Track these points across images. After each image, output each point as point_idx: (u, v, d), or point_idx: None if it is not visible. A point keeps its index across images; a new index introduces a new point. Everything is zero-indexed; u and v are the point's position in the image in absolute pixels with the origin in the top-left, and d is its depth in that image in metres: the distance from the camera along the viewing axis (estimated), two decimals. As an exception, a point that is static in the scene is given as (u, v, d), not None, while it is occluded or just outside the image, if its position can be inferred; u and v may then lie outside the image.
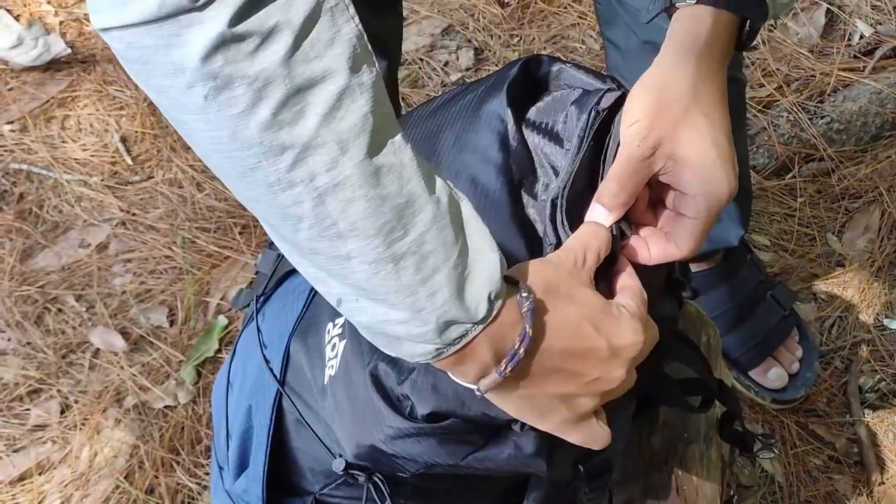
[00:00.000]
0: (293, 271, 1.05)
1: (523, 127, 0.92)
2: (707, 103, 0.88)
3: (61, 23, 2.16)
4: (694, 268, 1.64)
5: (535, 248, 0.87)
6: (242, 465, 1.02)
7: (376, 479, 0.89)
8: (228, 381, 1.07)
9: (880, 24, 2.15)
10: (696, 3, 0.91)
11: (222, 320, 1.77)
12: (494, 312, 0.75)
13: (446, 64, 2.13)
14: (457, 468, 0.86)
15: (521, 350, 0.75)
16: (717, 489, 1.10)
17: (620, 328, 0.80)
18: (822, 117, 2.01)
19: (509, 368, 0.75)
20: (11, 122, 2.02)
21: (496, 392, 0.78)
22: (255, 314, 1.06)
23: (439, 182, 0.74)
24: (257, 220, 1.95)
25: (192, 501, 1.61)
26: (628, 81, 1.52)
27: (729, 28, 0.92)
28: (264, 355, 1.00)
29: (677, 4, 0.92)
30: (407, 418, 0.84)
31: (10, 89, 2.06)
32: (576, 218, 0.86)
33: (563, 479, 0.94)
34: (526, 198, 0.90)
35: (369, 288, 0.73)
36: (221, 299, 1.80)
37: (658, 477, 1.07)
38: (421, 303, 0.73)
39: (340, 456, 0.90)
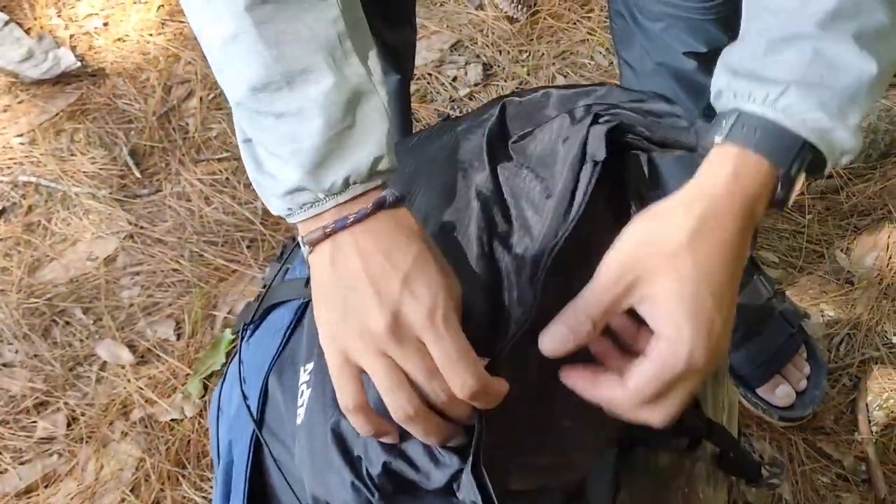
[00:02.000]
0: (278, 304, 1.04)
1: (503, 169, 0.92)
2: (704, 254, 0.78)
3: (71, 36, 2.17)
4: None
5: (496, 299, 0.86)
6: (227, 496, 1.02)
7: None
8: (219, 407, 1.07)
9: (889, 41, 2.15)
10: (723, 139, 0.80)
11: (229, 334, 1.77)
12: (351, 194, 0.80)
13: (455, 79, 2.14)
14: None
15: (369, 207, 0.79)
16: (723, 482, 1.09)
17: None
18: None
19: (346, 221, 0.79)
20: (21, 135, 2.02)
21: (314, 256, 0.81)
22: (240, 342, 1.05)
23: (356, 67, 0.81)
24: (265, 235, 1.95)
25: (197, 515, 1.61)
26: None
27: (759, 175, 0.80)
28: (242, 391, 1.00)
29: (714, 140, 0.82)
30: (362, 478, 0.82)
31: (20, 102, 2.07)
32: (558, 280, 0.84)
33: None
34: (499, 249, 0.88)
35: (249, 122, 0.82)
36: (228, 313, 1.80)
37: (665, 495, 1.06)
38: (284, 156, 0.80)
39: None
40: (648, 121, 0.89)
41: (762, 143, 0.79)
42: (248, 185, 1.95)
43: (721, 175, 0.79)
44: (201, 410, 1.69)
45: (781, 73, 0.79)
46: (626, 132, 0.90)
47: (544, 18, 2.20)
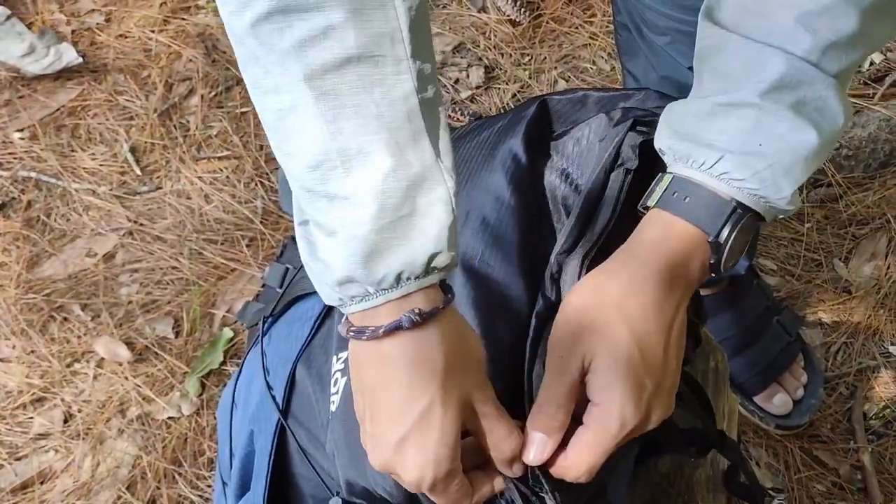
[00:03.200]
0: (302, 296, 1.04)
1: (545, 168, 0.92)
2: (635, 319, 0.79)
3: (73, 31, 2.17)
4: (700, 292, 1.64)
5: (534, 295, 0.87)
6: (244, 487, 1.02)
7: None
8: (233, 401, 1.07)
9: (890, 51, 2.16)
10: (655, 205, 0.82)
11: (227, 332, 1.77)
12: (403, 291, 0.76)
13: (457, 81, 2.14)
14: None
15: (381, 331, 0.76)
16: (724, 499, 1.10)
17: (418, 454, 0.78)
18: (830, 143, 2.01)
19: (362, 335, 0.77)
20: (21, 130, 2.02)
21: (351, 354, 0.80)
22: (261, 335, 1.05)
23: (422, 152, 0.76)
24: (265, 234, 1.95)
25: (193, 514, 1.60)
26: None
27: (686, 240, 0.81)
28: (267, 381, 1.00)
29: (645, 206, 0.84)
30: None
31: (21, 97, 2.07)
32: None
33: None
34: (540, 246, 0.89)
35: (304, 203, 0.78)
36: (227, 311, 1.80)
37: (665, 500, 1.07)
38: (336, 242, 0.76)
39: (338, 493, 0.90)
40: None
41: (690, 211, 0.81)
42: (248, 184, 1.95)
43: (648, 240, 0.81)
44: (199, 409, 1.69)
45: (720, 140, 0.80)
46: None
47: (547, 22, 2.20)
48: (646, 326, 0.79)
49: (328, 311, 0.99)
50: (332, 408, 0.90)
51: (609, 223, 0.87)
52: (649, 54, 1.44)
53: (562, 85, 2.11)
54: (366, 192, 0.73)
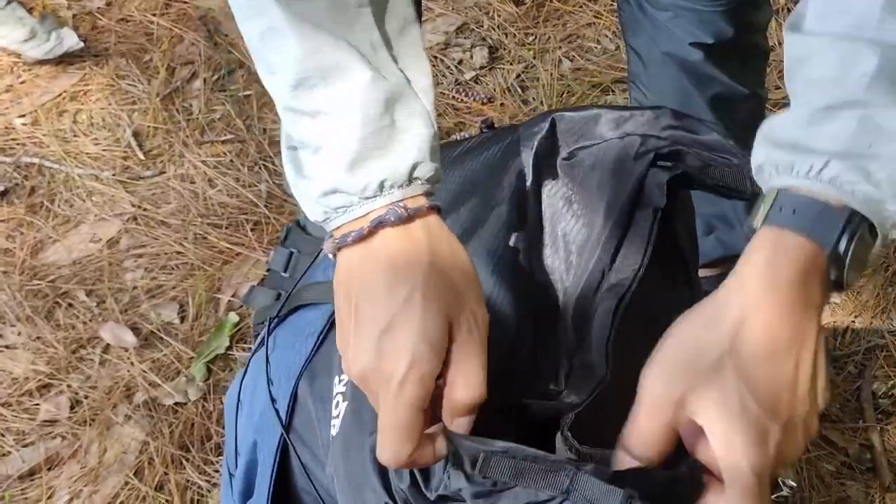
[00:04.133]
0: (306, 305, 1.03)
1: (548, 186, 0.90)
2: (746, 354, 0.72)
3: (74, 16, 2.16)
4: (705, 273, 1.63)
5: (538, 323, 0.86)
6: (248, 493, 1.01)
7: None
8: (239, 398, 1.06)
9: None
10: (761, 225, 0.73)
11: (233, 317, 1.76)
12: (387, 200, 0.76)
13: (460, 62, 2.12)
14: None
15: (366, 229, 0.76)
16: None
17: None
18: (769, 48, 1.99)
19: (346, 239, 0.76)
20: (23, 116, 2.01)
21: (338, 270, 0.78)
22: (266, 338, 1.04)
23: (394, 70, 0.78)
24: (269, 218, 1.94)
25: (201, 498, 1.60)
26: (648, 90, 1.52)
27: (801, 257, 0.73)
28: (270, 393, 0.99)
29: (752, 225, 0.75)
30: (393, 497, 0.80)
31: (23, 82, 2.06)
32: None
33: None
34: (534, 263, 0.88)
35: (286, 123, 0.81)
36: (233, 296, 1.79)
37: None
38: (320, 156, 0.77)
39: None
40: (704, 164, 0.87)
41: (802, 222, 0.72)
42: (252, 168, 1.94)
43: (756, 261, 0.73)
44: (205, 394, 1.69)
45: (825, 144, 0.73)
46: (684, 177, 0.89)
47: (550, 1, 2.19)
48: (762, 369, 0.72)
49: (329, 328, 0.97)
50: (333, 431, 0.88)
51: (641, 267, 0.84)
52: (652, 30, 1.43)
53: (566, 64, 2.10)
54: (347, 103, 0.76)
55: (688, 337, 0.73)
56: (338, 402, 0.89)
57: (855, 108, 0.73)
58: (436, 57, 2.12)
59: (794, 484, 1.59)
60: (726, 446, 0.71)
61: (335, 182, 0.77)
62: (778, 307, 0.72)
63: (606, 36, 2.14)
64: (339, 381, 0.90)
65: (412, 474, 0.78)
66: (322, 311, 0.99)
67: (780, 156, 0.75)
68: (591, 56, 2.11)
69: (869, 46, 0.73)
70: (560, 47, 2.12)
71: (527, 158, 0.91)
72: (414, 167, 0.77)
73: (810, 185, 0.73)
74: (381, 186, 0.77)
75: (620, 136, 0.90)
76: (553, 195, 0.91)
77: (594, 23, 2.16)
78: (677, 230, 0.94)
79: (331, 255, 0.79)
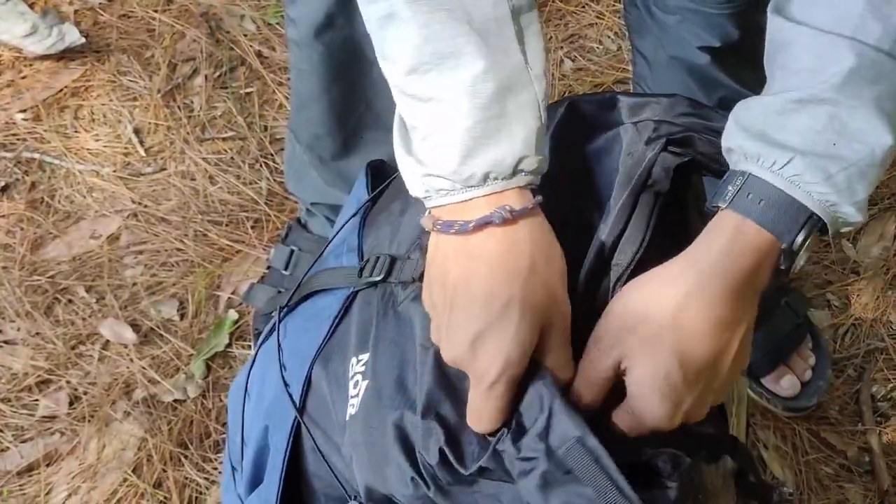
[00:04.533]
0: (319, 291, 1.03)
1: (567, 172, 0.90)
2: (687, 328, 0.77)
3: (76, 12, 2.15)
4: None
5: None
6: (256, 480, 1.01)
7: None
8: (246, 390, 1.06)
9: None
10: (726, 207, 0.78)
11: (233, 315, 1.76)
12: (489, 190, 0.78)
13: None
14: None
15: (470, 226, 0.78)
16: (732, 498, 1.09)
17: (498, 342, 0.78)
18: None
19: (450, 229, 0.78)
20: (24, 111, 2.01)
21: (434, 248, 0.81)
22: (277, 326, 1.04)
23: (512, 55, 0.78)
24: (270, 215, 1.94)
25: (199, 496, 1.60)
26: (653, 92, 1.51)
27: (758, 248, 0.77)
28: (283, 378, 0.99)
29: (715, 205, 0.79)
30: (420, 472, 0.82)
31: (24, 77, 2.05)
32: None
33: None
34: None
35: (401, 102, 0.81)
36: (232, 293, 1.79)
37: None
38: (431, 142, 0.78)
39: (356, 498, 0.89)
40: (716, 150, 0.87)
41: (765, 215, 0.76)
42: (253, 165, 1.94)
43: (716, 246, 0.78)
44: (204, 391, 1.68)
45: (791, 140, 0.76)
46: (694, 162, 0.89)
47: (553, 1, 2.18)
48: (697, 345, 0.77)
49: (346, 310, 0.98)
50: (352, 411, 0.89)
51: (639, 250, 0.85)
52: (659, 33, 1.43)
53: (568, 65, 2.10)
54: (458, 92, 0.77)
55: (636, 303, 0.79)
56: (357, 381, 0.90)
57: (824, 105, 0.76)
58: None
59: (790, 490, 1.59)
60: (640, 400, 0.78)
61: (441, 170, 0.78)
62: (727, 292, 0.77)
63: (608, 36, 2.14)
64: (357, 361, 0.91)
65: (442, 451, 0.79)
66: (337, 296, 0.99)
67: (748, 145, 0.78)
68: (593, 56, 2.11)
69: (848, 45, 0.75)
70: (562, 47, 2.12)
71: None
72: (520, 161, 0.79)
73: (773, 179, 0.76)
74: (486, 177, 0.78)
75: (635, 122, 0.91)
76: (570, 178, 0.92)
77: (596, 23, 2.16)
78: (689, 216, 0.94)
79: (427, 228, 0.81)
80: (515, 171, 0.79)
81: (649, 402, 0.78)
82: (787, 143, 0.76)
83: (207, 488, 1.60)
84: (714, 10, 1.37)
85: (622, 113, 0.92)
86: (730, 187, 0.78)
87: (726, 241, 0.77)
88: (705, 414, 0.81)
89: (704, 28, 1.39)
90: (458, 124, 0.77)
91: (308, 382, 0.97)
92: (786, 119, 0.77)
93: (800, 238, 0.77)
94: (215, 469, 1.61)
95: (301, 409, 0.97)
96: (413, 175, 0.81)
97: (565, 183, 0.90)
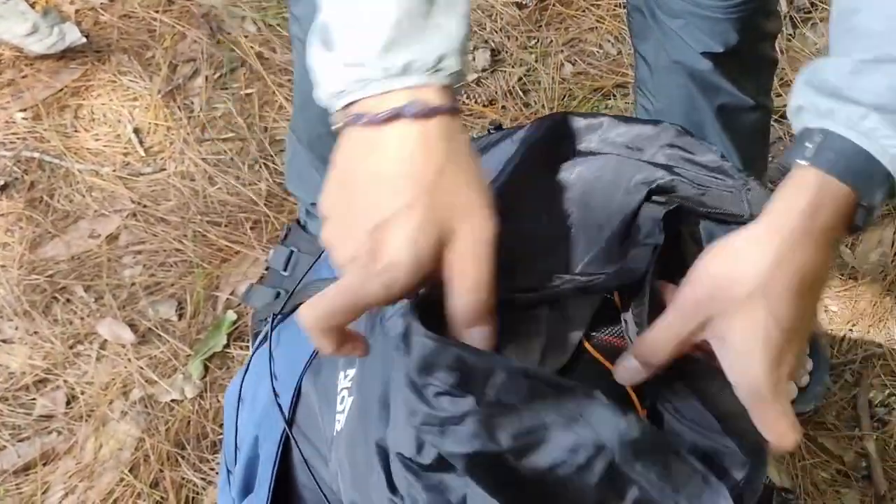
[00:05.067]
0: None
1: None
2: (777, 292, 0.76)
3: (77, 11, 2.15)
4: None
5: None
6: (247, 488, 1.01)
7: None
8: (240, 397, 1.06)
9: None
10: (808, 163, 0.77)
11: (231, 315, 1.76)
12: (409, 83, 0.76)
13: (462, 64, 2.12)
14: None
15: (382, 116, 0.75)
16: (729, 502, 1.09)
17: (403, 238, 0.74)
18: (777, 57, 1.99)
19: (360, 119, 0.76)
20: (24, 110, 2.01)
21: (342, 145, 0.78)
22: (269, 334, 1.04)
23: None
24: (269, 216, 1.94)
25: (196, 496, 1.60)
26: (655, 97, 1.52)
27: (839, 204, 0.77)
28: (274, 388, 0.98)
29: (791, 162, 0.78)
30: (397, 493, 0.80)
31: (24, 77, 2.05)
32: None
33: None
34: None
35: None
36: (231, 294, 1.79)
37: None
38: (352, 34, 0.77)
39: None
40: (700, 190, 0.87)
41: (848, 171, 0.76)
42: (253, 166, 1.94)
43: (799, 205, 0.77)
44: (202, 392, 1.68)
45: (865, 97, 0.76)
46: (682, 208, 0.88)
47: (553, 5, 2.18)
48: (789, 298, 0.77)
49: None
50: (338, 426, 0.88)
51: (643, 306, 0.83)
52: (661, 38, 1.43)
53: (568, 68, 2.10)
54: None
55: (720, 268, 0.78)
56: (343, 396, 0.88)
57: None
58: (438, 58, 2.12)
59: (791, 492, 1.59)
60: (747, 371, 0.77)
61: (362, 57, 0.76)
62: (814, 250, 0.77)
63: (608, 40, 2.14)
64: (345, 375, 0.89)
65: (402, 455, 0.77)
66: None
67: (821, 101, 0.78)
68: (593, 60, 2.11)
69: None
70: (562, 51, 2.12)
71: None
72: (441, 58, 0.77)
73: (850, 134, 0.76)
74: (406, 68, 0.76)
75: (618, 152, 0.89)
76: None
77: (596, 27, 2.16)
78: (686, 256, 0.93)
79: (336, 125, 0.79)
80: (437, 68, 0.77)
81: (755, 364, 0.77)
82: (861, 100, 0.76)
83: (204, 489, 1.60)
84: (718, 15, 1.37)
85: (606, 136, 0.90)
86: (807, 144, 0.78)
87: (810, 197, 0.77)
88: (798, 367, 0.82)
89: (707, 33, 1.39)
90: (384, 15, 0.76)
91: (298, 394, 0.96)
92: (859, 77, 0.77)
93: (879, 195, 0.77)
94: (212, 469, 1.61)
95: (291, 421, 0.96)
96: (330, 69, 0.78)
97: (539, 198, 0.89)
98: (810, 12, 2.17)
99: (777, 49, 1.59)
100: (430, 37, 0.77)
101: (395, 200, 0.74)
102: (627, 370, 0.81)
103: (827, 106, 0.78)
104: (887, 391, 1.74)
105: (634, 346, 0.81)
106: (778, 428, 0.78)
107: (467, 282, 0.75)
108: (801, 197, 0.77)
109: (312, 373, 0.96)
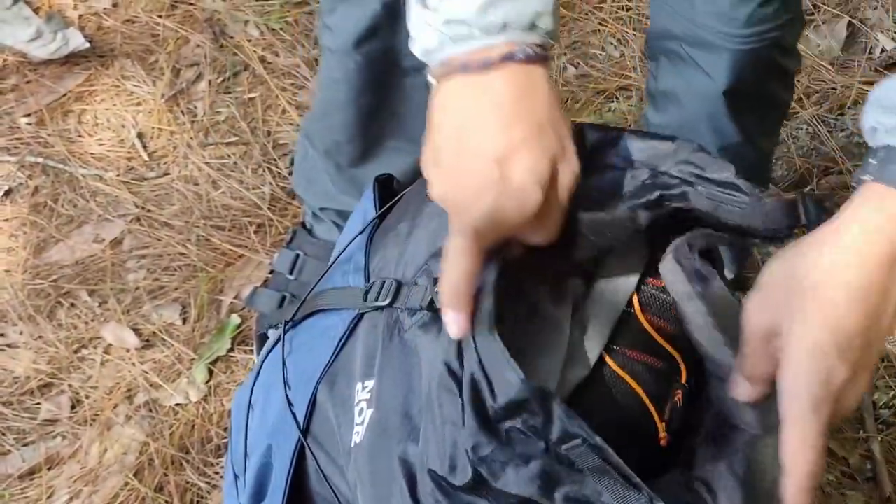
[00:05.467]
0: (325, 310, 1.02)
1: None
2: (836, 301, 0.77)
3: (80, 16, 2.16)
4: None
5: None
6: (259, 496, 1.00)
7: None
8: (251, 403, 1.06)
9: (902, 38, 2.14)
10: (871, 178, 0.79)
11: (235, 319, 1.76)
12: (506, 38, 0.80)
13: (465, 67, 2.12)
14: None
15: (493, 60, 0.79)
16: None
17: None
18: (841, 130, 2.00)
19: (468, 69, 0.79)
20: (28, 115, 2.01)
21: (440, 98, 0.81)
22: (283, 340, 1.03)
23: None
24: (273, 220, 1.94)
25: (200, 500, 1.60)
26: (664, 113, 1.52)
27: None
28: (288, 397, 0.98)
29: (860, 179, 0.80)
30: None
31: (28, 82, 2.06)
32: None
33: None
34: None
35: None
36: (235, 298, 1.79)
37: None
38: None
39: None
40: (714, 204, 0.87)
41: None
42: (256, 170, 1.94)
43: (860, 219, 0.78)
44: (206, 396, 1.68)
45: None
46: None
47: (556, 8, 2.18)
48: (846, 314, 0.77)
49: (351, 332, 0.97)
50: (357, 439, 0.88)
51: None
52: (678, 64, 1.43)
53: (571, 71, 2.10)
54: None
55: (783, 274, 0.79)
56: (361, 408, 0.89)
57: None
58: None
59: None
60: (793, 380, 0.77)
61: (462, 14, 0.79)
62: (875, 261, 0.77)
63: (611, 43, 2.14)
64: (363, 387, 0.89)
65: (431, 471, 0.78)
66: (342, 317, 0.98)
67: (886, 119, 0.79)
68: (596, 63, 2.11)
69: None
70: (565, 54, 2.12)
71: None
72: (538, 16, 0.81)
73: None
74: (504, 27, 0.80)
75: (635, 167, 0.89)
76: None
77: (599, 30, 2.16)
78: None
79: (433, 80, 0.82)
80: (533, 26, 0.81)
81: (801, 374, 0.77)
82: None
83: (209, 493, 1.60)
84: (739, 46, 1.36)
85: (624, 152, 0.90)
86: (871, 160, 0.79)
87: (871, 210, 0.78)
88: (859, 398, 0.80)
89: (723, 64, 1.39)
90: None
91: (313, 404, 0.96)
92: None
93: None
94: (217, 473, 1.61)
95: (305, 431, 0.96)
96: (428, 26, 0.82)
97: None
98: (813, 14, 2.17)
99: (791, 90, 1.57)
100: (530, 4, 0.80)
101: (514, 134, 0.79)
102: (743, 390, 0.81)
103: (892, 123, 0.79)
104: (892, 393, 1.74)
105: (737, 363, 0.81)
106: (799, 456, 0.77)
107: (553, 223, 0.82)
108: (864, 210, 0.78)
109: (328, 383, 0.95)
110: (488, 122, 0.79)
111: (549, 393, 0.74)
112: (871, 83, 2.05)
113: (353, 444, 0.89)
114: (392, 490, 0.82)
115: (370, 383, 0.89)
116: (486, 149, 0.79)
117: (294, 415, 0.96)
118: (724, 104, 1.43)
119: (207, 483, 1.60)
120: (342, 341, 0.96)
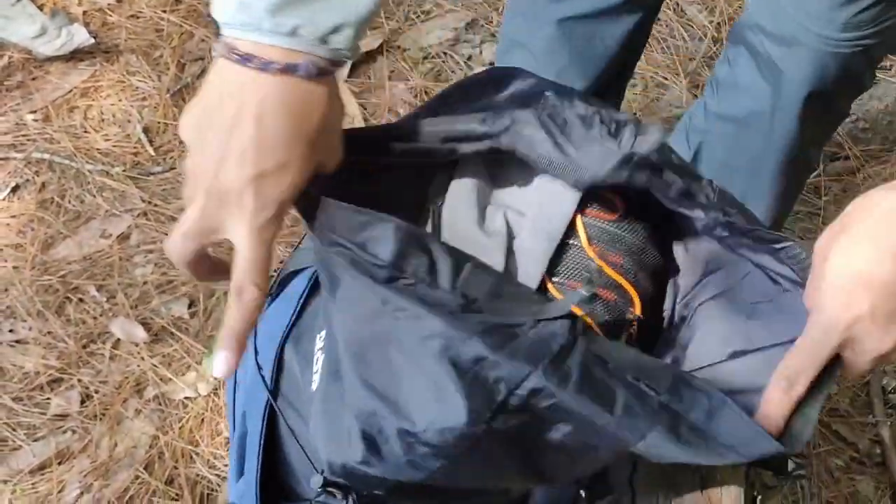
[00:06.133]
0: (293, 273, 1.03)
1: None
2: (878, 287, 0.77)
3: (85, 13, 2.16)
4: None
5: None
6: (241, 470, 1.01)
7: (351, 500, 0.86)
8: (236, 380, 1.06)
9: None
10: None
11: (243, 312, 1.76)
12: (292, 45, 0.75)
13: (469, 58, 2.12)
14: (428, 481, 0.81)
15: (275, 67, 0.75)
16: (742, 489, 1.09)
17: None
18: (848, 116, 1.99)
19: (248, 62, 0.75)
20: (34, 112, 2.02)
21: (226, 70, 0.77)
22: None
23: None
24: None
25: (211, 493, 1.61)
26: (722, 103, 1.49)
27: None
28: (257, 361, 0.99)
29: None
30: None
31: (34, 79, 2.06)
32: None
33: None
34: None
35: None
36: (242, 291, 1.79)
37: (682, 476, 1.06)
38: None
39: (322, 472, 0.87)
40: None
41: None
42: (262, 164, 1.94)
43: None
44: (215, 388, 1.69)
45: None
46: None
47: None
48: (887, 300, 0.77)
49: (311, 289, 0.98)
50: (313, 386, 0.88)
51: None
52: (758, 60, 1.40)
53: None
54: None
55: (857, 205, 0.80)
56: (318, 357, 0.89)
57: None
58: (445, 52, 2.12)
59: (804, 473, 1.59)
60: (814, 293, 0.80)
61: (257, 4, 0.75)
62: None
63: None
64: (319, 337, 0.90)
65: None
66: (304, 275, 0.99)
67: None
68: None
69: None
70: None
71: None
72: (335, 28, 0.76)
73: None
74: (294, 32, 0.75)
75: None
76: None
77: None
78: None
79: (217, 54, 0.78)
80: (324, 38, 0.76)
81: (827, 283, 0.79)
82: None
83: (219, 485, 1.60)
84: (832, 49, 1.30)
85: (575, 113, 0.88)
86: None
87: None
88: (873, 360, 0.80)
89: (807, 66, 1.34)
90: None
91: (279, 363, 0.97)
92: None
93: None
94: (226, 466, 1.62)
95: (275, 391, 0.96)
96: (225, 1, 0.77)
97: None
98: None
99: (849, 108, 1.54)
100: (327, 6, 0.75)
101: (276, 156, 0.76)
102: (773, 408, 0.80)
103: None
104: (901, 377, 1.74)
105: (779, 371, 0.80)
106: (771, 409, 0.79)
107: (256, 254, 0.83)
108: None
109: (294, 341, 0.96)
110: (260, 130, 0.76)
111: (421, 231, 0.75)
112: (878, 69, 2.04)
113: (312, 394, 0.89)
114: (341, 424, 0.82)
115: (325, 332, 0.89)
116: (254, 158, 0.76)
117: (262, 377, 0.97)
118: (794, 107, 1.39)
119: (217, 476, 1.61)
120: (302, 297, 0.97)
